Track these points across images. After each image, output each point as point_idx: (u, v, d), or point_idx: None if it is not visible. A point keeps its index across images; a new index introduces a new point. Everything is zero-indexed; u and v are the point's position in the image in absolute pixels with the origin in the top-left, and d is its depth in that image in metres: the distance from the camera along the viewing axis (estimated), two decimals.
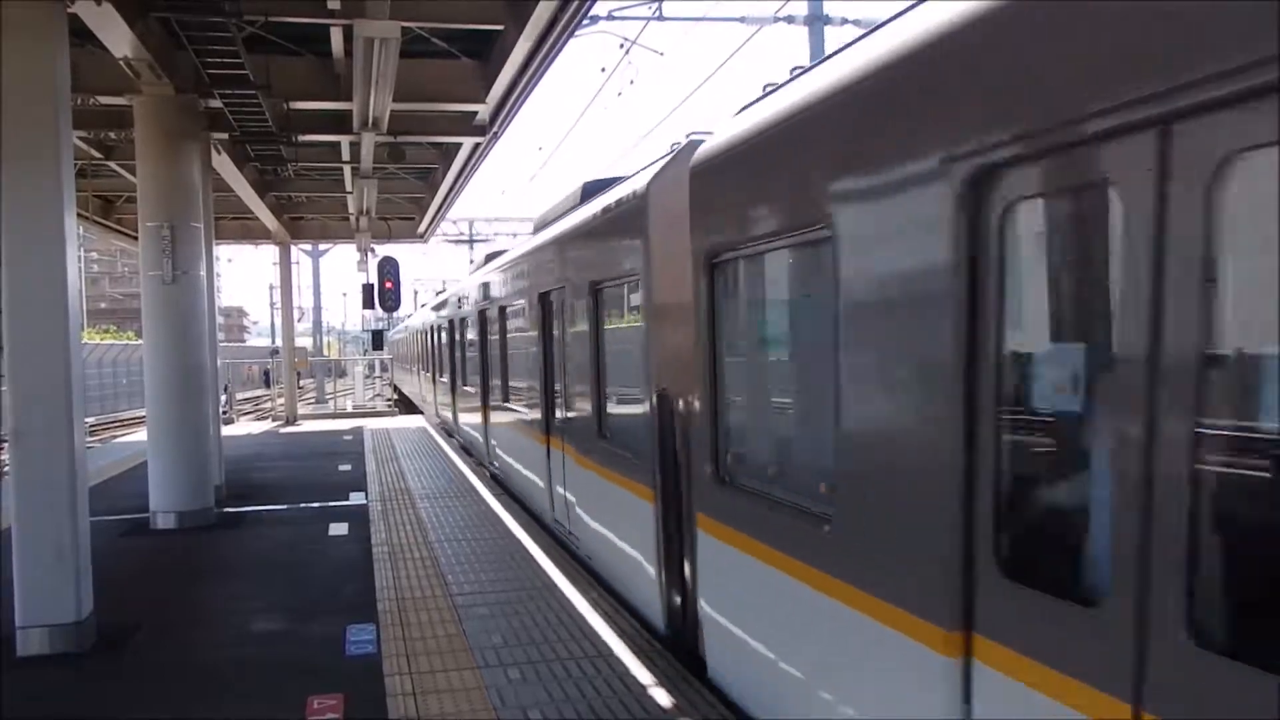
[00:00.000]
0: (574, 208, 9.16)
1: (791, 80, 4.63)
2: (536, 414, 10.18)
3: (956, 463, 3.03)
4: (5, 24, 6.38)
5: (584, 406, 8.13)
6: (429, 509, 11.29)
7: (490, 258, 15.43)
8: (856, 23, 15.22)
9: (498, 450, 13.54)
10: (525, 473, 11.09)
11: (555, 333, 9.33)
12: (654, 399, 6.32)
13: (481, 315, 14.38)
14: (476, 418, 15.39)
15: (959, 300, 3.03)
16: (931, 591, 3.16)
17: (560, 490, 9.23)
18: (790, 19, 15.68)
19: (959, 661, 3.07)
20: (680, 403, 6.10)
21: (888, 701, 3.50)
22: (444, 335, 20.18)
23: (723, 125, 5.21)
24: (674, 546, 6.24)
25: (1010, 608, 2.88)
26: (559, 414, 9.19)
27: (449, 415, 20.19)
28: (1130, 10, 2.43)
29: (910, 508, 3.28)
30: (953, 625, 3.06)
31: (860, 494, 3.64)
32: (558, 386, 9.21)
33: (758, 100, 4.96)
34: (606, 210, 7.47)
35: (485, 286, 14.02)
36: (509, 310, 12.03)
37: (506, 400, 12.61)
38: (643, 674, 5.63)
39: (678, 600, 6.26)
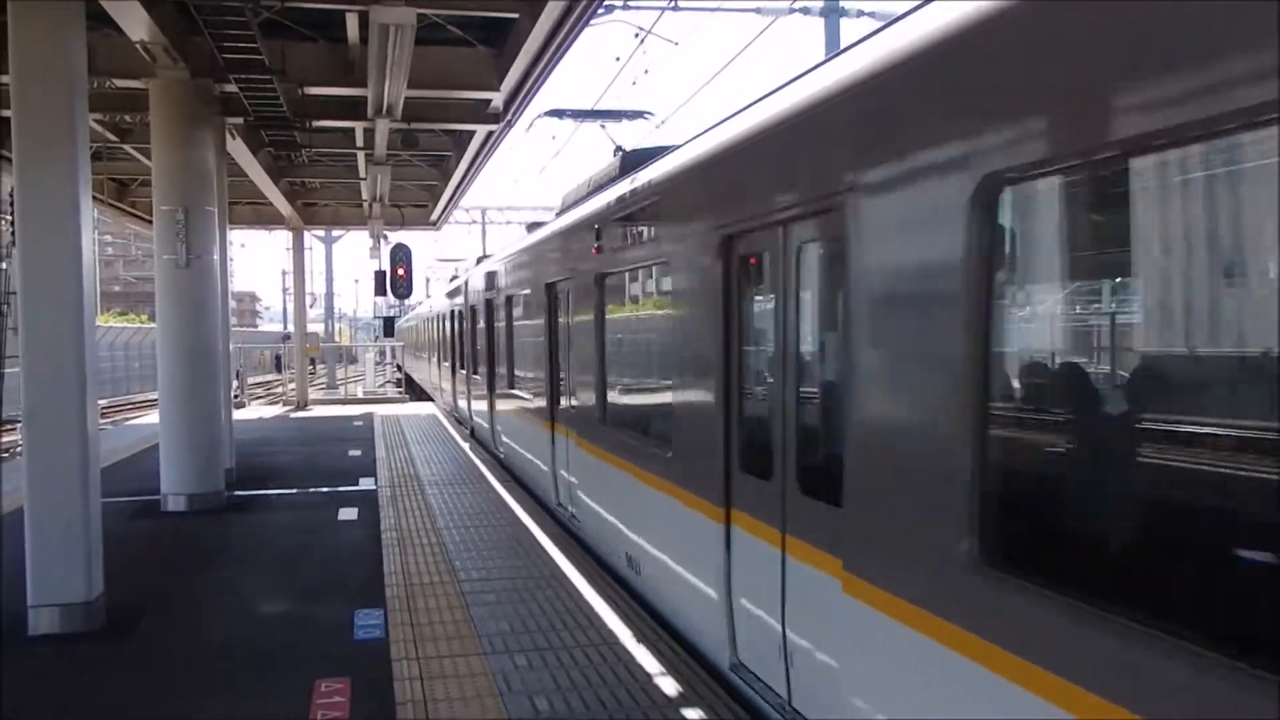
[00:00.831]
0: (472, 265, 20.20)
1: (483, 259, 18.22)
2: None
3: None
4: (22, 7, 6.40)
5: (448, 364, 21.51)
6: (438, 495, 11.32)
7: (483, 258, 22.05)
8: (872, 15, 15.14)
9: None
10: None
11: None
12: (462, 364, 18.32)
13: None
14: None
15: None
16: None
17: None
18: (806, 10, 15.61)
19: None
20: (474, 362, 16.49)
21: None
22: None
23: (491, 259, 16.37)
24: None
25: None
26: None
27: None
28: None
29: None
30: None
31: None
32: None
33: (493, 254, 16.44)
34: (465, 281, 18.84)
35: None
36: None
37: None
38: (649, 662, 5.65)
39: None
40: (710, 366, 5.34)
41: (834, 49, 13.96)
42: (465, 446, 15.94)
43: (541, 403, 10.56)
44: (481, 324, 16.01)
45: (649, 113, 10.43)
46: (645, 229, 6.73)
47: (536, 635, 6.19)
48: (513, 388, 12.87)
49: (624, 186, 7.34)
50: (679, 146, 6.53)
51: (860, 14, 15.39)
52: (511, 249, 13.75)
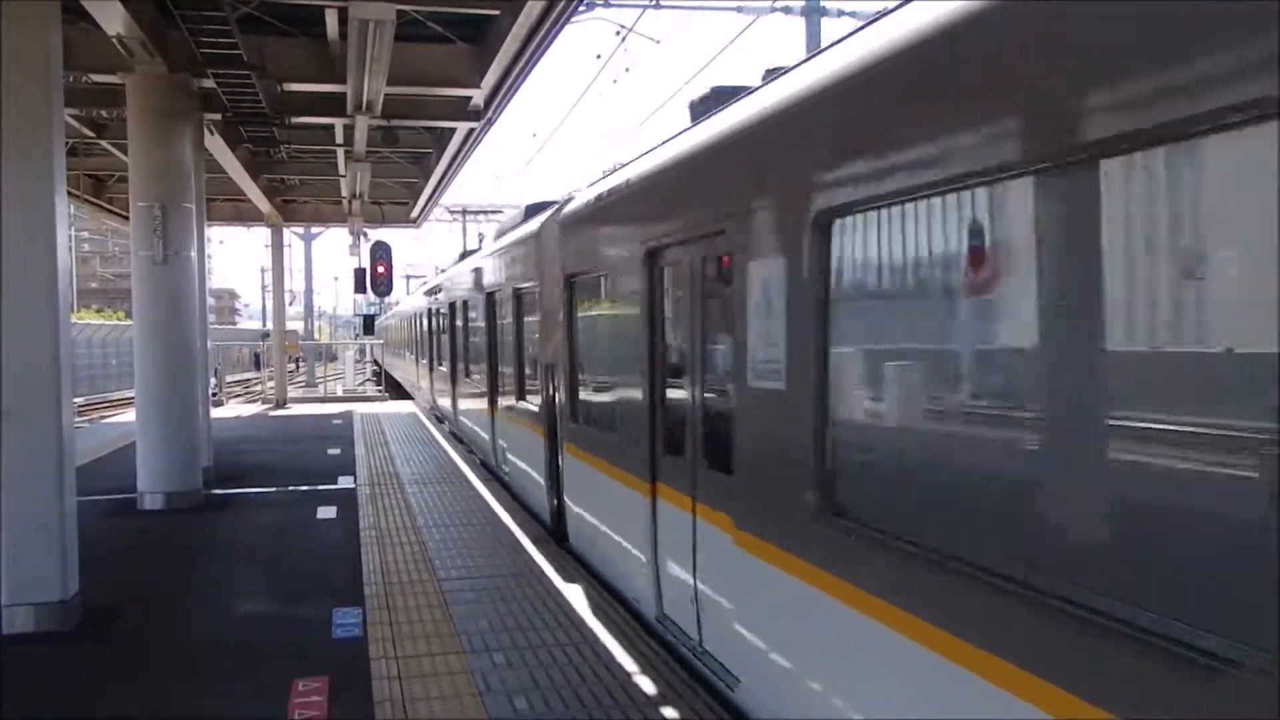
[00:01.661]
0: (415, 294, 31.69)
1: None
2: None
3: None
4: None
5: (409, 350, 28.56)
6: (417, 494, 11.29)
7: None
8: (853, 15, 15.20)
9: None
10: None
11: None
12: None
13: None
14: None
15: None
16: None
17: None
18: (787, 9, 15.66)
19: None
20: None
21: None
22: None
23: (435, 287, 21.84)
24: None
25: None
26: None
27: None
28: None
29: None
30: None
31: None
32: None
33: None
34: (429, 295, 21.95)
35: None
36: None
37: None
38: (627, 661, 5.66)
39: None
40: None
41: (815, 48, 13.99)
42: (445, 444, 15.89)
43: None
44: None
45: (513, 206, 18.63)
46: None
47: (516, 634, 6.19)
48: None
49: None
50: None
51: (841, 14, 15.46)
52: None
